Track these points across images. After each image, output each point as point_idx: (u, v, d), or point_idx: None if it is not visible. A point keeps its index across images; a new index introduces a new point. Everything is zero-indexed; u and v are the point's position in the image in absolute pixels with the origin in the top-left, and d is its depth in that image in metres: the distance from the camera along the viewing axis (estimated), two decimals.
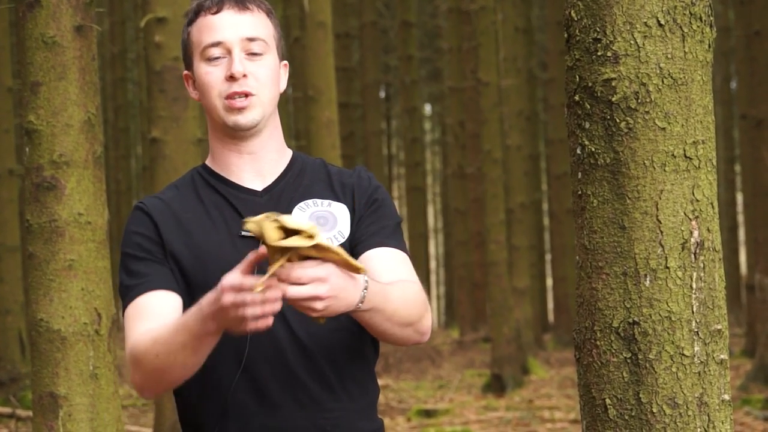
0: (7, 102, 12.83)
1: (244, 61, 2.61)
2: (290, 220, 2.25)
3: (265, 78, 2.63)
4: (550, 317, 25.61)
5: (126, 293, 2.60)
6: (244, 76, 2.60)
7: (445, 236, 31.91)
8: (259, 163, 2.67)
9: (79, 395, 4.55)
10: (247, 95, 2.61)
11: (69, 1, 4.57)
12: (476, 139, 19.31)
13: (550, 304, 25.70)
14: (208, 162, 2.72)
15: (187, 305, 2.57)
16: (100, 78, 5.39)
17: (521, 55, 16.85)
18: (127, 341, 2.56)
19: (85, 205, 4.58)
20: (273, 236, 2.25)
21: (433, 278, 37.84)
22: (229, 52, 2.61)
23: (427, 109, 37.32)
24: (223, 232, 2.61)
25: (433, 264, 38.69)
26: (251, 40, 2.62)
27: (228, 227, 2.62)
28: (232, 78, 2.60)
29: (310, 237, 2.24)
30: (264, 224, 2.26)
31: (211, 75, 2.61)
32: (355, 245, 2.66)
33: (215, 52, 2.61)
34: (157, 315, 2.55)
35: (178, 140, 8.06)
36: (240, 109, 2.61)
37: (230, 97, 2.61)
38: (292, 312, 2.55)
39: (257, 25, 2.64)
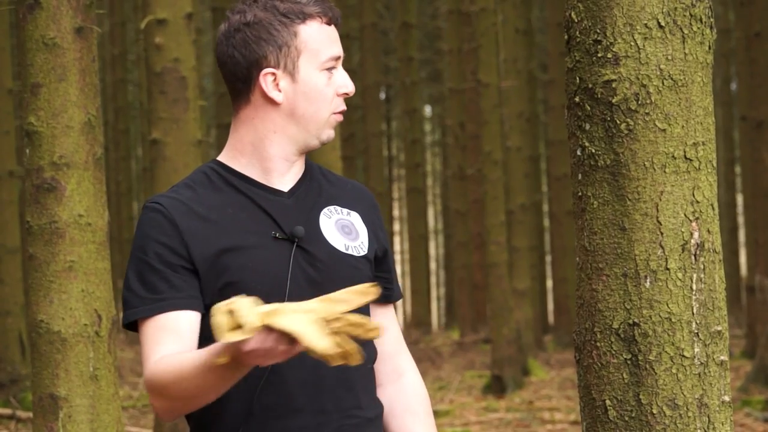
0: (7, 104, 12.83)
1: None
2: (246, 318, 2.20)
3: None
4: (551, 318, 25.61)
5: (139, 305, 2.51)
6: None
7: (445, 237, 31.91)
8: (296, 166, 2.66)
9: (79, 396, 4.55)
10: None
11: (69, 3, 4.57)
12: (476, 141, 19.31)
13: (551, 306, 25.70)
14: (225, 159, 2.64)
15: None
16: (100, 79, 5.36)
17: (521, 56, 16.86)
18: (146, 364, 2.48)
19: (86, 206, 4.58)
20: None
21: (433, 279, 37.84)
22: (337, 65, 2.61)
23: (428, 110, 37.32)
24: (254, 234, 2.56)
25: (433, 265, 38.69)
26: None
27: (259, 229, 2.57)
28: (345, 95, 2.61)
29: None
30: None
31: (329, 88, 2.59)
32: (380, 279, 2.68)
33: (334, 64, 2.60)
34: (177, 340, 2.49)
35: (178, 142, 8.06)
36: (337, 123, 2.63)
37: (339, 113, 2.61)
38: None
39: None
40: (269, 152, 2.61)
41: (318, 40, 2.58)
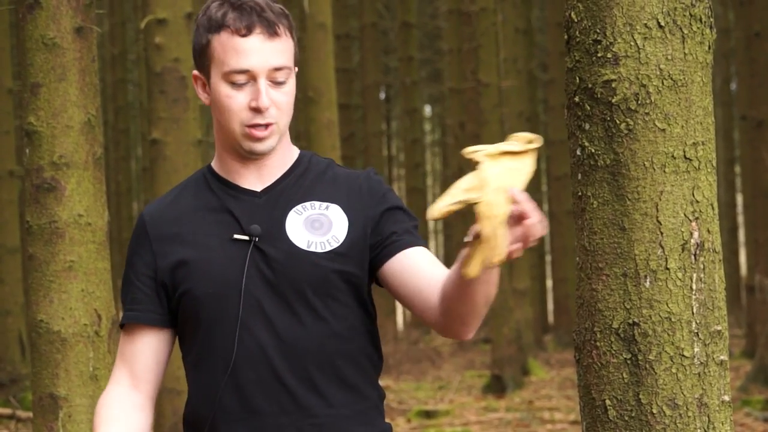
0: (7, 103, 12.84)
1: (269, 90, 2.55)
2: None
3: (286, 105, 2.58)
4: (551, 318, 25.61)
5: (123, 303, 2.67)
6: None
7: (445, 237, 31.91)
8: (263, 169, 2.64)
9: (79, 396, 4.55)
10: (268, 126, 2.57)
11: (69, 3, 4.57)
12: (476, 141, 19.27)
13: (551, 305, 25.69)
14: (213, 163, 2.68)
15: (180, 316, 2.60)
16: (100, 79, 5.36)
17: (521, 56, 16.87)
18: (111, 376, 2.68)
19: (85, 206, 4.58)
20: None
21: None
22: (254, 78, 2.55)
23: (428, 110, 37.30)
24: (214, 237, 2.59)
25: None
26: (278, 69, 2.56)
27: (221, 231, 2.59)
28: (257, 110, 2.54)
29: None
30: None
31: (233, 100, 2.55)
32: (382, 246, 2.60)
33: (240, 78, 2.55)
34: (128, 363, 2.64)
35: (178, 141, 8.06)
36: (259, 139, 2.56)
37: (252, 126, 2.55)
38: (278, 315, 2.55)
39: (284, 51, 2.57)
40: (221, 153, 2.65)
41: (224, 51, 2.55)
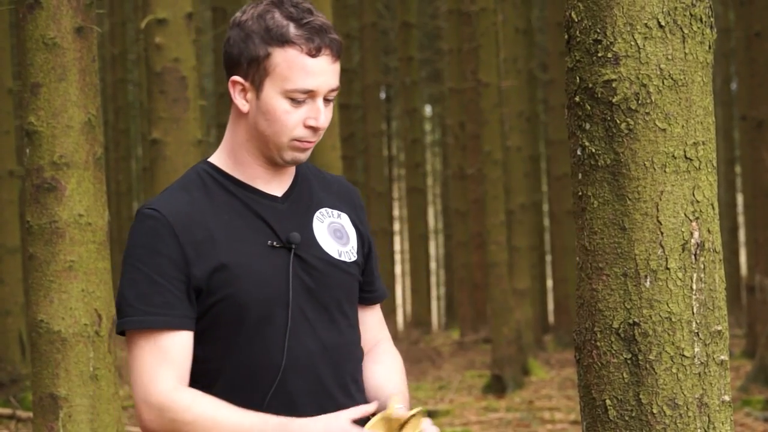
0: (7, 103, 12.83)
1: (325, 110, 2.59)
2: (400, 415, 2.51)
3: (330, 120, 2.62)
4: (551, 318, 25.61)
5: (133, 315, 2.51)
6: None
7: (445, 237, 31.92)
8: (283, 175, 2.66)
9: (79, 396, 4.55)
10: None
11: (69, 3, 4.57)
12: (476, 140, 19.31)
13: (551, 306, 25.71)
14: (218, 162, 2.64)
15: (210, 321, 2.54)
16: (100, 79, 5.36)
17: (522, 56, 16.86)
18: (148, 386, 2.50)
19: (86, 206, 4.59)
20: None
21: (433, 279, 37.83)
22: (313, 97, 2.56)
23: (428, 110, 37.31)
24: (251, 243, 2.56)
25: (433, 265, 38.68)
26: (333, 90, 2.59)
27: (256, 237, 2.57)
28: (314, 128, 2.57)
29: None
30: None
31: (291, 116, 2.55)
32: (362, 289, 2.73)
33: (302, 97, 2.55)
34: (173, 365, 2.51)
35: (178, 141, 8.06)
36: (305, 150, 2.59)
37: (303, 142, 2.57)
38: (318, 323, 2.58)
39: (338, 71, 2.60)
40: (246, 158, 2.62)
41: (289, 69, 2.54)
